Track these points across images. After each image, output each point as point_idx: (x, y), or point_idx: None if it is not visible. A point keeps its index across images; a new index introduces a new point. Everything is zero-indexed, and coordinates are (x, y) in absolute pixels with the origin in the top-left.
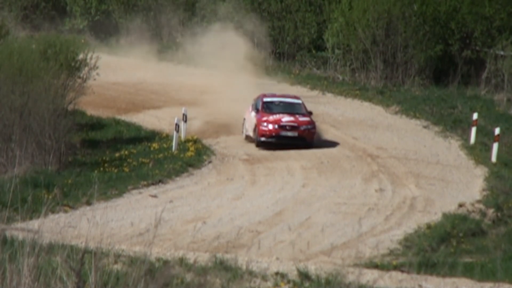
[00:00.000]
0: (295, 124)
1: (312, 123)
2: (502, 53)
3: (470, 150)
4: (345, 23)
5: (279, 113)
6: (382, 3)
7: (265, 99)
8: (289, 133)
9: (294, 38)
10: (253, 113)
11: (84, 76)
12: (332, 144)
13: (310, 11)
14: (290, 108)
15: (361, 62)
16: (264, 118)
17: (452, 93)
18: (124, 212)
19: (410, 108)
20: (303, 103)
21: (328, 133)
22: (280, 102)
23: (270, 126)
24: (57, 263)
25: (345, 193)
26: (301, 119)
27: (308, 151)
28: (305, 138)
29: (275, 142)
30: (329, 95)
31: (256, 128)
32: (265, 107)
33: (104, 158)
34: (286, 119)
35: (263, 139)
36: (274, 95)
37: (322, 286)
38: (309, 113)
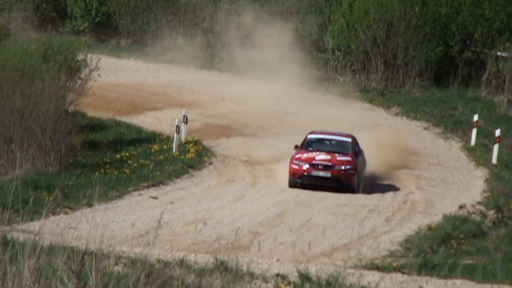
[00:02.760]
0: (329, 163)
1: (352, 163)
2: (502, 54)
3: (471, 151)
4: (346, 25)
5: (317, 151)
6: (383, 4)
7: (309, 136)
8: (321, 173)
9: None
10: (294, 152)
11: (85, 77)
12: None
13: (311, 13)
14: (333, 147)
15: (362, 64)
16: (297, 156)
17: (452, 94)
18: (125, 213)
19: (411, 110)
20: (352, 142)
21: None
22: (325, 139)
23: (302, 165)
24: (57, 264)
25: (346, 195)
26: (339, 158)
27: None
28: (340, 179)
29: (306, 183)
30: (329, 96)
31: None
32: (306, 145)
33: (104, 159)
34: (320, 157)
35: (293, 179)
36: (323, 132)
37: None
38: (357, 153)
